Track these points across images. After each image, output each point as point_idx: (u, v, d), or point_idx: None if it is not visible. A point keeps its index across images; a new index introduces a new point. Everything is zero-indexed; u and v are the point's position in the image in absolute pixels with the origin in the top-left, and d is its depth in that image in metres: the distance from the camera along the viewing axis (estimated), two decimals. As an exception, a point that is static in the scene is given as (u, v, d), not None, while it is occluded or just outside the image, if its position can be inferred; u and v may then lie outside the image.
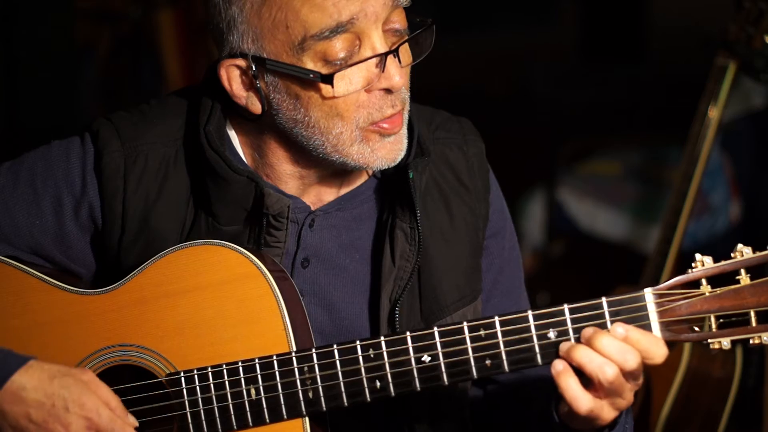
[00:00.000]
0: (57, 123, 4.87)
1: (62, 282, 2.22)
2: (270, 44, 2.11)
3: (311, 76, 2.10)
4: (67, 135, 2.30)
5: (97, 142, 2.23)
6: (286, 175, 2.23)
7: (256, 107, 2.17)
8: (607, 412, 2.07)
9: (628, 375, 2.04)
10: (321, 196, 2.26)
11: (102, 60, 5.84)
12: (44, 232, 2.25)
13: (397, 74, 2.12)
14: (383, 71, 2.11)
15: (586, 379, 2.04)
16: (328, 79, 2.09)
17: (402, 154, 2.19)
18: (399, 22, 2.14)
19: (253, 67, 2.13)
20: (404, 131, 2.19)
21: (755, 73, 3.50)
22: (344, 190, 2.27)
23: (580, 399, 2.04)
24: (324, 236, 2.26)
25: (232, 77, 2.16)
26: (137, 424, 2.15)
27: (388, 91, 2.13)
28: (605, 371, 2.02)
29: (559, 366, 2.05)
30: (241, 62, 2.14)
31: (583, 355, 2.03)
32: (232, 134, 2.25)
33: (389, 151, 2.17)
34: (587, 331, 2.05)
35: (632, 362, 2.02)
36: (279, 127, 2.18)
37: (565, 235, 5.19)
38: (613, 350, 2.02)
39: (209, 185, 2.19)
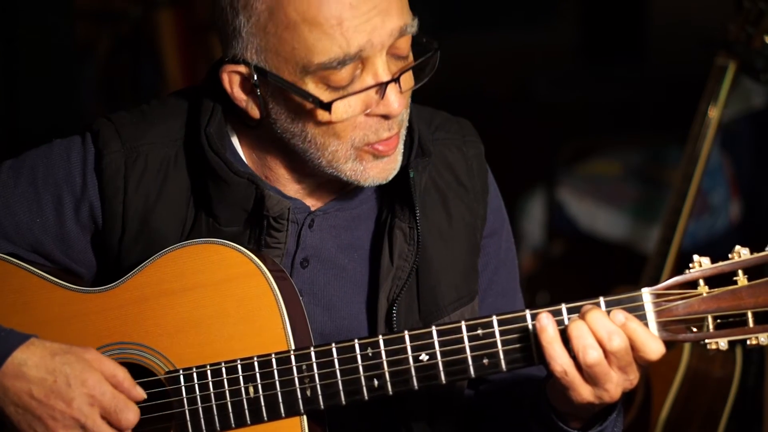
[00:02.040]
0: (57, 123, 4.86)
1: (63, 280, 2.23)
2: (273, 59, 2.11)
3: (310, 100, 2.10)
4: (68, 134, 2.30)
5: (97, 142, 2.23)
6: (285, 179, 2.24)
7: (255, 113, 2.17)
8: (587, 394, 2.05)
9: (611, 358, 2.02)
10: (321, 197, 2.26)
11: (102, 60, 5.85)
12: (45, 230, 2.25)
13: (396, 101, 2.11)
14: (382, 98, 2.11)
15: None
16: (327, 107, 2.09)
17: (394, 172, 2.19)
18: (404, 48, 2.13)
19: (255, 76, 2.13)
20: (400, 149, 2.19)
21: (755, 73, 3.50)
22: (344, 191, 2.27)
23: (560, 357, 2.04)
24: (323, 236, 2.26)
25: (233, 81, 2.16)
26: (145, 396, 2.15)
27: (386, 116, 2.13)
28: (588, 353, 2.02)
29: (550, 330, 2.04)
30: (243, 69, 2.13)
31: (574, 327, 2.03)
32: (233, 135, 2.25)
33: (381, 170, 2.17)
34: (587, 307, 2.05)
35: (616, 343, 2.01)
36: (277, 135, 2.18)
37: (565, 235, 5.19)
38: (600, 326, 2.02)
39: (210, 186, 2.19)
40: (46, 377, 2.11)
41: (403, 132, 2.19)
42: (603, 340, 2.02)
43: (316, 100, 2.09)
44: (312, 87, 2.10)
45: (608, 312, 2.04)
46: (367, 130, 2.13)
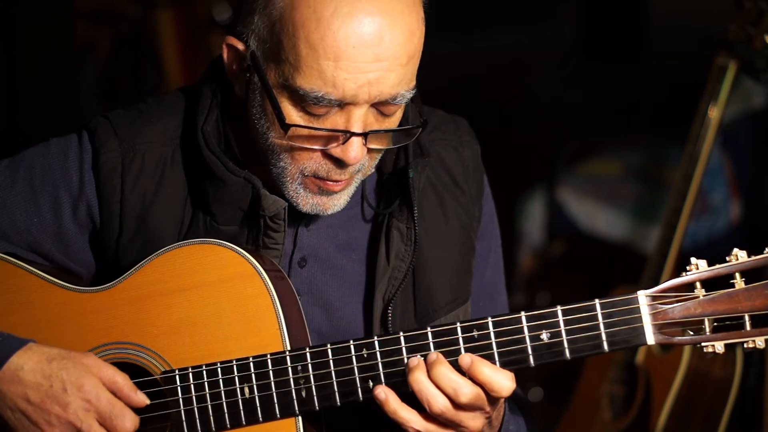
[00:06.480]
0: (57, 123, 4.86)
1: (61, 279, 2.23)
2: (267, 56, 2.10)
3: (276, 113, 2.08)
4: (66, 134, 2.30)
5: (94, 141, 2.23)
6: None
7: (241, 91, 2.17)
8: None
9: (464, 406, 2.05)
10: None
11: (102, 60, 5.85)
12: (42, 230, 2.25)
13: (354, 152, 2.08)
14: (344, 143, 2.09)
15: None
16: (285, 128, 2.08)
17: (334, 209, 2.17)
18: (391, 109, 2.11)
19: (249, 60, 2.12)
20: (349, 191, 2.17)
21: (755, 73, 3.49)
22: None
23: (411, 420, 2.07)
24: (320, 236, 2.26)
25: (231, 52, 2.16)
26: (147, 402, 2.15)
27: (341, 162, 2.11)
28: (433, 402, 2.04)
29: (392, 403, 2.07)
30: (242, 48, 2.13)
31: (416, 380, 2.05)
32: (230, 134, 2.24)
33: (322, 203, 2.16)
34: (431, 356, 2.06)
35: (465, 397, 2.04)
36: (250, 124, 2.17)
37: (565, 235, 5.19)
38: (445, 382, 2.04)
39: (207, 185, 2.19)
40: (42, 382, 2.11)
41: (359, 177, 2.17)
42: (451, 397, 2.04)
43: (280, 116, 2.08)
44: (286, 101, 2.09)
45: (455, 360, 2.05)
46: (318, 166, 2.12)
